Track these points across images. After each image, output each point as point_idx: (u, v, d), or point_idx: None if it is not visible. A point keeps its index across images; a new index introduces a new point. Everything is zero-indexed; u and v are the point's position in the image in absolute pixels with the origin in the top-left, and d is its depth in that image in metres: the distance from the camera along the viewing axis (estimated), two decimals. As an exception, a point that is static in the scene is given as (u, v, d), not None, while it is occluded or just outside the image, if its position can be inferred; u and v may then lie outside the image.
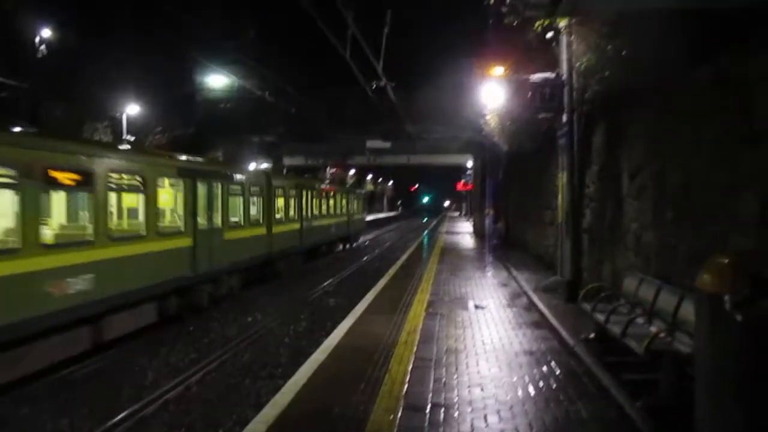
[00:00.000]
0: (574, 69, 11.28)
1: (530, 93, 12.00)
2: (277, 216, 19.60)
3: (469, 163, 46.17)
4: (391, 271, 17.67)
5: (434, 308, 11.38)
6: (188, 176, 13.18)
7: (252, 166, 30.90)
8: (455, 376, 7.01)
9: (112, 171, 10.50)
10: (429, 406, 5.99)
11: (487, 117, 20.51)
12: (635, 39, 7.89)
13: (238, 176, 16.34)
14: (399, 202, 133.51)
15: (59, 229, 10.67)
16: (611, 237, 10.53)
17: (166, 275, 11.95)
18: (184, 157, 13.83)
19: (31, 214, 8.41)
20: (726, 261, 4.46)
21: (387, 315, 10.66)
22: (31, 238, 8.40)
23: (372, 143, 49.40)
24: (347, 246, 32.63)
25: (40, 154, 8.75)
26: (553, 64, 11.95)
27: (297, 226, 21.85)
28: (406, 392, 6.41)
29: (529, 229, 21.42)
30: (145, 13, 29.58)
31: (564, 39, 11.28)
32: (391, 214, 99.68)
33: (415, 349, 8.27)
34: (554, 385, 6.70)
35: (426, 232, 45.88)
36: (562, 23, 10.88)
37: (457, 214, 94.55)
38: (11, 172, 8.19)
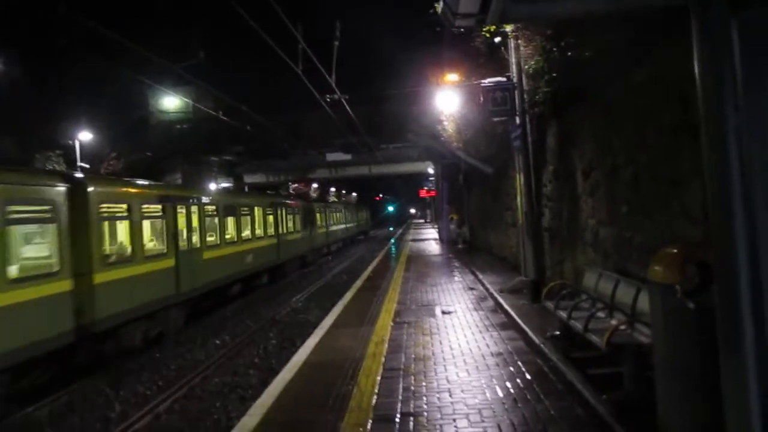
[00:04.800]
0: (524, 72, 11.47)
1: (483, 98, 12.17)
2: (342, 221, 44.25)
3: (431, 170, 46.49)
4: (358, 283, 17.63)
5: (402, 317, 11.38)
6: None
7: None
8: (424, 384, 7.01)
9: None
10: (398, 416, 5.96)
11: (444, 123, 20.71)
12: (577, 40, 8.05)
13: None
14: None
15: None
16: (570, 234, 10.69)
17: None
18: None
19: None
20: (674, 251, 4.57)
21: (354, 327, 10.62)
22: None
23: (332, 156, 49.51)
24: (368, 235, 64.89)
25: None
26: (504, 67, 12.14)
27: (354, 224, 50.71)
28: (375, 404, 6.38)
29: (492, 231, 21.63)
30: (93, 40, 29.14)
31: (511, 43, 11.47)
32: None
33: (383, 360, 8.24)
34: (522, 385, 6.75)
35: (392, 240, 45.95)
36: (509, 28, 11.05)
37: (422, 221, 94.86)
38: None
